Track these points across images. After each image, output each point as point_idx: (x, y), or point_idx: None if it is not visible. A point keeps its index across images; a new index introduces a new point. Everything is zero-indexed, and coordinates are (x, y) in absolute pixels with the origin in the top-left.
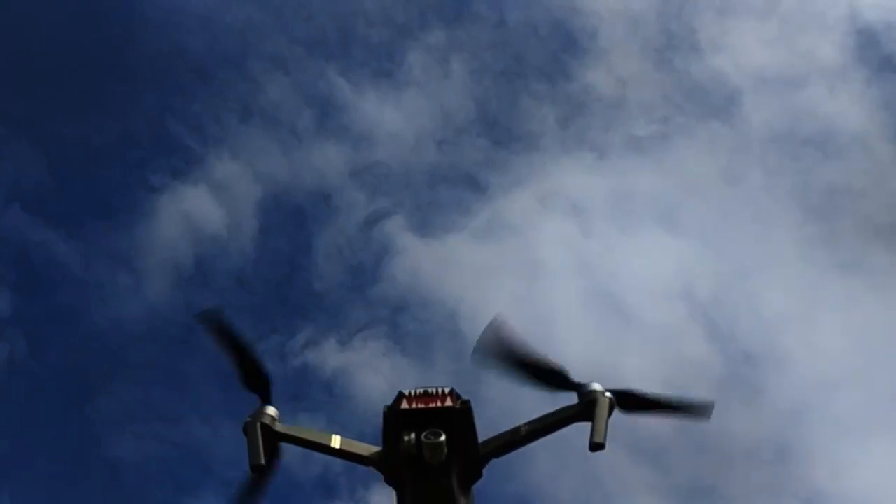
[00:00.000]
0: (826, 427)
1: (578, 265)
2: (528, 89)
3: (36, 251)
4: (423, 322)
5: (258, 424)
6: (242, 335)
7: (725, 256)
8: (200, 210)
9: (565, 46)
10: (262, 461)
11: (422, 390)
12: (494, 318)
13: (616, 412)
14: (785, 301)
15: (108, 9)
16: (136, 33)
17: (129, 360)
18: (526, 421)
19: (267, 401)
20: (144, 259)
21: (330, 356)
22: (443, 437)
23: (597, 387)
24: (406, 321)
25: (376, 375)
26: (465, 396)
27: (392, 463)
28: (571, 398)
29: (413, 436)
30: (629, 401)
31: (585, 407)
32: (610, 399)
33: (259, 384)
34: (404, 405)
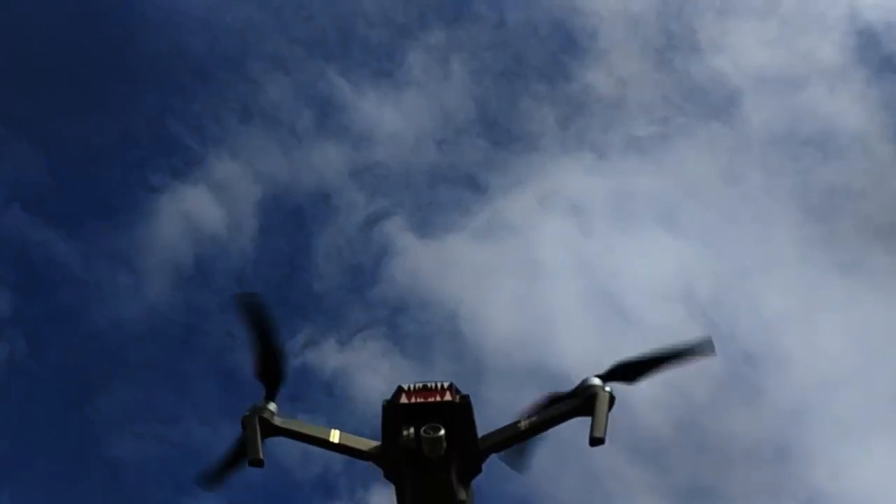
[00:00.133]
0: (826, 427)
1: (578, 265)
2: (527, 90)
3: (36, 251)
4: (423, 323)
5: (257, 419)
6: (276, 325)
7: (725, 257)
8: (200, 210)
9: (565, 47)
10: (261, 456)
11: (421, 385)
12: None
13: (624, 393)
14: (785, 301)
15: (108, 9)
16: (136, 33)
17: (129, 360)
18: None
19: (271, 397)
20: (144, 259)
21: (329, 357)
22: (442, 432)
23: (596, 381)
24: (406, 322)
25: (376, 376)
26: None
27: (391, 457)
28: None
29: (412, 430)
30: (629, 371)
31: (585, 401)
32: (610, 393)
33: (272, 378)
34: (403, 399)
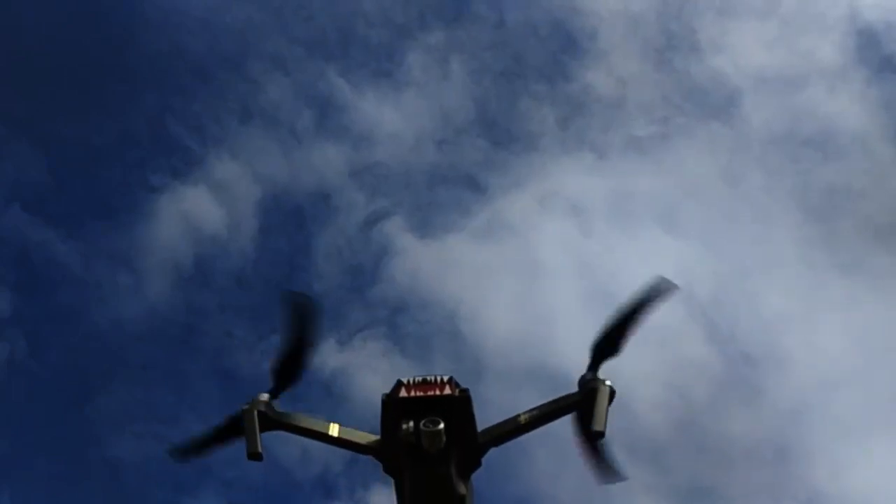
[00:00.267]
0: (826, 427)
1: (578, 265)
2: (527, 90)
3: (36, 251)
4: (423, 323)
5: (255, 412)
6: (318, 330)
7: (725, 256)
8: (200, 210)
9: (565, 47)
10: (260, 449)
11: (420, 378)
12: None
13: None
14: (785, 301)
15: (108, 9)
16: (136, 33)
17: (129, 360)
18: (525, 410)
19: (275, 395)
20: (144, 259)
21: (329, 356)
22: (441, 425)
23: (590, 376)
24: (405, 322)
25: (375, 376)
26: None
27: (390, 451)
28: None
29: (411, 424)
30: (607, 346)
31: (586, 396)
32: (611, 387)
33: (286, 378)
34: (403, 393)
